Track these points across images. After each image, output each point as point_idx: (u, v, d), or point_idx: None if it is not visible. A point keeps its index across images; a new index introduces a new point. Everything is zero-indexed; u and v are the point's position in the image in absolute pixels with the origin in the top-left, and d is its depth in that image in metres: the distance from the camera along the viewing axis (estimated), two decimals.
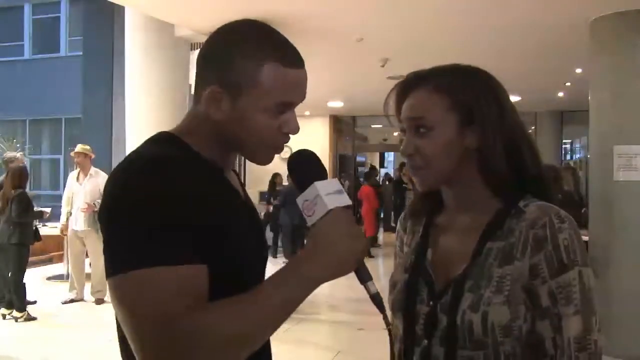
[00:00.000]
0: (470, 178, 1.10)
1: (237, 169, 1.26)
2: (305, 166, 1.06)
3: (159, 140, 1.03)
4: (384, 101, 1.18)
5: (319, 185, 1.00)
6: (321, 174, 1.02)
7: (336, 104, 10.28)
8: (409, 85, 1.13)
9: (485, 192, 1.09)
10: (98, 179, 6.65)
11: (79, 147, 6.70)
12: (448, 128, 1.08)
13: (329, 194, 0.99)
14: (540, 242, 1.00)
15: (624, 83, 4.92)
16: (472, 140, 1.08)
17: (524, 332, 0.99)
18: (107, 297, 6.69)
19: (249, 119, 1.00)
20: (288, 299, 0.92)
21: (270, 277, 0.94)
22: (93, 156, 6.81)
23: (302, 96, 1.04)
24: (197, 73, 1.04)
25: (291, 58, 1.01)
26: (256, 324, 0.91)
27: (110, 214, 0.93)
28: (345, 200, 0.99)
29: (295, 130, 1.05)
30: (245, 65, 0.98)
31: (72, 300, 6.77)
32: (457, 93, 1.08)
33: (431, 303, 1.07)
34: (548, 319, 0.99)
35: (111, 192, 0.94)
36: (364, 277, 0.98)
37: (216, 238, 0.95)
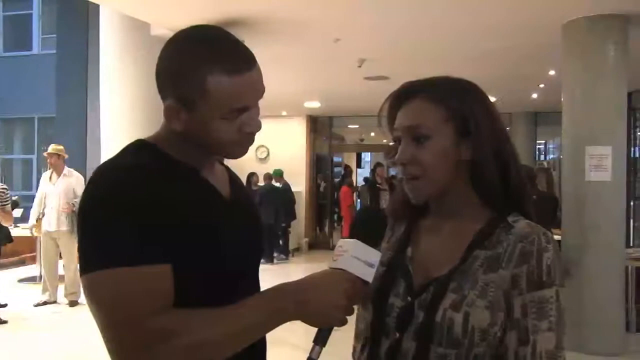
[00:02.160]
0: (460, 189, 1.11)
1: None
2: (368, 224, 1.12)
3: (132, 148, 1.09)
4: (378, 111, 1.18)
5: (357, 245, 1.03)
6: (373, 238, 1.08)
7: (313, 104, 10.28)
8: (403, 95, 1.14)
9: (474, 201, 1.12)
10: (71, 179, 6.56)
11: (52, 148, 6.60)
12: (444, 138, 1.09)
13: (357, 258, 1.01)
14: (526, 256, 1.02)
15: (595, 85, 5.02)
16: (467, 151, 1.09)
17: (496, 339, 1.01)
18: (81, 299, 6.60)
19: (208, 127, 1.03)
20: (257, 324, 0.99)
21: (249, 299, 0.99)
22: (66, 156, 6.72)
23: (255, 97, 1.06)
24: (157, 85, 1.07)
25: (237, 64, 1.01)
26: (220, 338, 0.96)
27: (84, 217, 0.99)
28: (367, 274, 1.02)
29: (256, 129, 1.07)
30: (193, 79, 1.00)
31: (44, 303, 6.66)
32: (453, 104, 1.09)
33: (409, 298, 1.07)
34: (515, 329, 1.01)
35: (85, 197, 1.01)
36: (320, 340, 1.01)
37: (183, 239, 0.99)
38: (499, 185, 1.09)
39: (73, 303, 6.57)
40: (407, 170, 1.11)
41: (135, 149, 1.08)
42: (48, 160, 6.66)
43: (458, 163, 1.10)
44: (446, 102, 1.09)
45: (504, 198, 1.10)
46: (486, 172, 1.08)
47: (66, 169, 6.61)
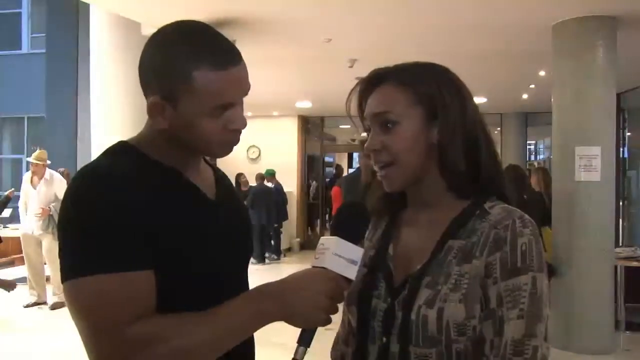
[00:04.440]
0: (434, 176, 1.08)
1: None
2: (350, 219, 1.10)
3: (113, 151, 1.07)
4: (346, 100, 1.15)
5: (337, 242, 1.00)
6: (354, 234, 1.04)
7: (305, 105, 10.28)
8: (371, 83, 1.12)
9: (448, 192, 1.08)
10: (53, 183, 6.55)
11: (36, 157, 6.53)
12: (413, 122, 1.06)
13: (339, 255, 0.99)
14: (499, 243, 0.99)
15: (584, 86, 5.05)
16: (435, 134, 1.06)
17: (477, 331, 0.97)
18: None
19: (192, 124, 1.01)
20: (239, 327, 0.97)
21: (230, 301, 0.98)
22: (49, 162, 6.70)
23: (241, 93, 1.04)
24: (140, 82, 1.05)
25: (222, 59, 1.00)
26: (201, 343, 0.94)
27: (63, 223, 0.97)
28: (350, 272, 1.00)
29: (242, 126, 1.05)
30: (178, 74, 0.98)
31: (35, 304, 6.63)
32: (420, 86, 1.06)
33: (389, 299, 1.05)
34: (491, 319, 0.96)
35: (65, 203, 0.99)
36: (304, 340, 1.00)
37: (166, 242, 0.97)
38: (464, 168, 1.05)
39: (59, 304, 6.53)
40: (377, 158, 1.08)
41: (116, 152, 1.06)
42: (31, 168, 6.65)
43: (430, 148, 1.06)
44: (414, 86, 1.06)
45: (473, 182, 1.06)
46: (450, 154, 1.04)
47: (48, 173, 6.60)
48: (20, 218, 6.85)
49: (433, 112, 1.06)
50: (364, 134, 1.17)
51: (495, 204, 1.06)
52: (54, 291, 6.56)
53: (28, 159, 6.71)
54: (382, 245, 1.14)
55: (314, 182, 13.03)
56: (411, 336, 0.99)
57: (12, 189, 7.61)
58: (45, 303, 6.67)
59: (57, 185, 6.58)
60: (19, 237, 7.36)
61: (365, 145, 1.10)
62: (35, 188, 6.57)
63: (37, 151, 6.63)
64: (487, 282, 0.98)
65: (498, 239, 0.99)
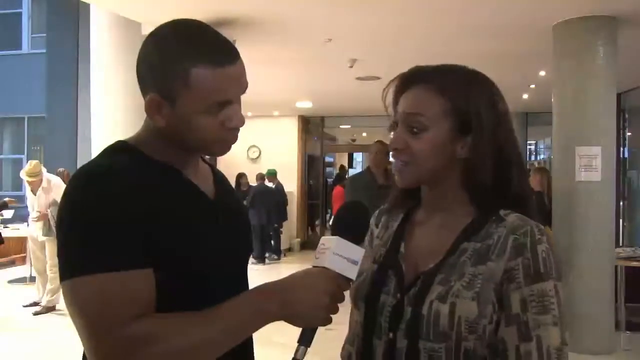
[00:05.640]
0: (452, 185, 1.09)
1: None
2: (351, 219, 1.08)
3: (112, 150, 1.07)
4: (384, 90, 1.14)
5: (338, 241, 1.00)
6: (355, 234, 1.04)
7: (305, 104, 10.28)
8: (411, 79, 1.11)
9: (463, 198, 1.09)
10: (51, 189, 6.55)
11: (27, 175, 6.45)
12: (442, 132, 1.06)
13: (339, 255, 0.99)
14: (520, 248, 0.99)
15: (585, 86, 5.05)
16: (464, 150, 1.06)
17: (487, 332, 0.98)
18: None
19: (190, 122, 1.01)
20: (239, 326, 0.97)
21: (230, 300, 0.97)
22: (44, 171, 6.66)
23: (239, 91, 1.04)
24: (138, 81, 1.05)
25: (219, 57, 1.00)
26: (201, 342, 0.93)
27: (62, 223, 0.97)
28: (350, 272, 1.00)
29: (239, 124, 1.05)
30: (175, 72, 0.98)
31: (35, 304, 6.63)
32: (458, 99, 1.06)
33: (398, 295, 1.06)
34: (515, 325, 0.97)
35: (64, 203, 0.98)
36: (305, 339, 0.99)
37: (165, 241, 0.97)
38: (490, 188, 1.06)
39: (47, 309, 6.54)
40: (397, 156, 1.10)
41: (115, 150, 1.06)
42: (27, 185, 6.65)
43: (453, 161, 1.07)
44: (451, 95, 1.06)
45: (496, 199, 1.06)
46: (480, 174, 1.05)
47: (45, 180, 6.56)
48: (29, 218, 6.92)
49: (464, 127, 1.06)
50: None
51: (509, 212, 1.06)
52: (42, 289, 6.55)
53: (22, 175, 6.64)
54: (394, 243, 1.15)
55: (315, 183, 13.03)
56: (421, 331, 1.00)
57: (14, 199, 7.61)
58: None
59: (55, 190, 6.55)
60: (19, 237, 7.40)
61: (390, 142, 1.11)
62: (35, 194, 6.60)
63: (28, 166, 6.53)
64: (508, 287, 0.99)
65: (518, 244, 1.00)
